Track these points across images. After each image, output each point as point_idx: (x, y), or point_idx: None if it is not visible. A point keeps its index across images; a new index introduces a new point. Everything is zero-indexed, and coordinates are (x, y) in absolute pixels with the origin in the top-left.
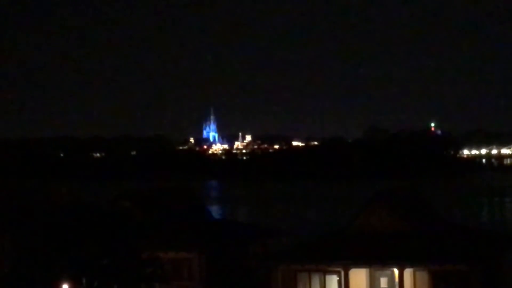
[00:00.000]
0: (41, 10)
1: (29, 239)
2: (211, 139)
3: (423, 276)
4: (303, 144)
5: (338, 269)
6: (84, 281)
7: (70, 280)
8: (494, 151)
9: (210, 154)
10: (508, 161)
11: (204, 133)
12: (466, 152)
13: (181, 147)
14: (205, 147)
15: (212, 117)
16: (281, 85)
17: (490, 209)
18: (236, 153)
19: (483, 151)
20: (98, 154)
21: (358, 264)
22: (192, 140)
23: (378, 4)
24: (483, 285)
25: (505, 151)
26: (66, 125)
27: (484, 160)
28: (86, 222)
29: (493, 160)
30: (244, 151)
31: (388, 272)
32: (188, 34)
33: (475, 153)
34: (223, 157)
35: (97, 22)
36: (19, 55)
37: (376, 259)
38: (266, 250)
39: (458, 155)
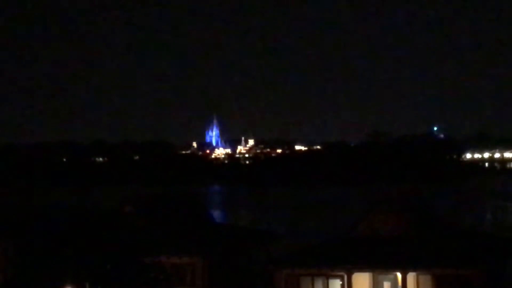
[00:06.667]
0: (44, 13)
1: (32, 244)
2: (214, 144)
3: (426, 280)
4: (305, 149)
5: (341, 273)
6: (87, 286)
7: (73, 285)
8: (497, 155)
9: (213, 158)
10: (511, 164)
11: (207, 137)
12: (469, 156)
13: (183, 152)
14: (207, 151)
15: (214, 121)
16: (283, 89)
17: (493, 213)
18: (238, 158)
19: (486, 155)
20: (101, 159)
21: (361, 268)
22: (194, 144)
23: (381, 8)
24: None
25: (508, 154)
26: (69, 130)
27: (487, 164)
28: (89, 227)
29: (496, 164)
30: (246, 155)
31: (391, 276)
32: (191, 38)
33: (478, 157)
34: (226, 162)
35: (100, 27)
36: (20, 59)
37: (379, 263)
38: (269, 255)
39: (461, 159)
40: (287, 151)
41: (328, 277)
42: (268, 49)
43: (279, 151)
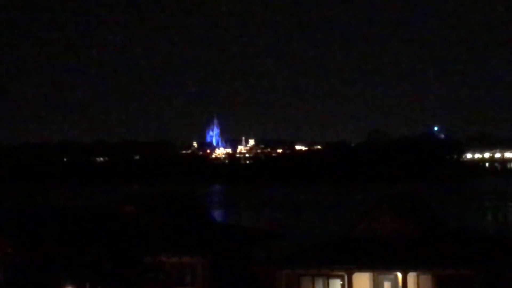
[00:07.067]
0: (47, 13)
1: (32, 243)
2: (214, 143)
3: (426, 280)
4: (306, 148)
5: (342, 273)
6: (87, 285)
7: (73, 285)
8: (498, 155)
9: (213, 158)
10: (511, 164)
11: (207, 137)
12: (469, 156)
13: (184, 152)
14: (208, 151)
15: (215, 121)
16: (284, 89)
17: (493, 213)
18: (239, 157)
19: (486, 155)
20: (101, 159)
21: (362, 268)
22: (195, 144)
23: (382, 8)
24: None
25: (508, 155)
26: (70, 130)
27: (487, 164)
28: (90, 226)
29: (496, 164)
30: (247, 155)
31: (391, 276)
32: (192, 39)
33: (478, 157)
34: (226, 161)
35: (102, 27)
36: (21, 58)
37: (379, 263)
38: (269, 255)
39: (461, 159)
40: (287, 151)
41: (328, 277)
42: (268, 49)
43: (279, 151)
